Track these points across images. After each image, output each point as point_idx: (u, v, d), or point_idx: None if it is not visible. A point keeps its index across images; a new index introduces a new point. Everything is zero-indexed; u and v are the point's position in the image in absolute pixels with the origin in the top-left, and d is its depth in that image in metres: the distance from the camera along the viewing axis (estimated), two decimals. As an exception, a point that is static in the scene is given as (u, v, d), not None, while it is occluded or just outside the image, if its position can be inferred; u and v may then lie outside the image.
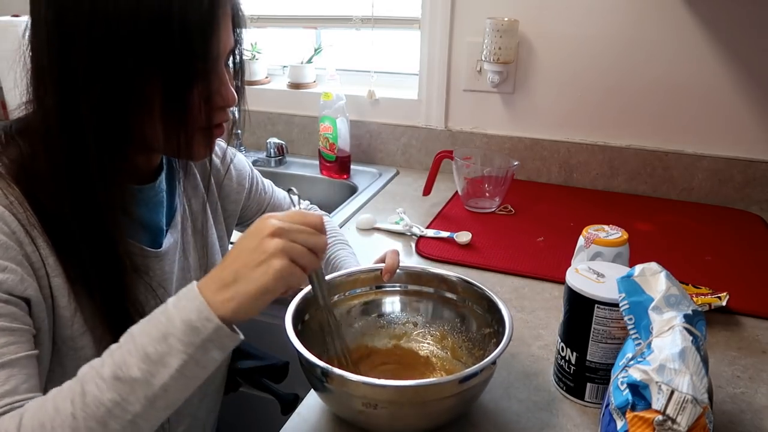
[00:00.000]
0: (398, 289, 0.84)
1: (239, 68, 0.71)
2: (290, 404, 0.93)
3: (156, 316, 0.54)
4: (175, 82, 0.59)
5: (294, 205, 0.80)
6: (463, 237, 1.12)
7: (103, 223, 0.62)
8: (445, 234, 1.15)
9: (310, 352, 0.65)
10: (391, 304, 0.84)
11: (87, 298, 0.63)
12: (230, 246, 0.91)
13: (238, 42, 0.68)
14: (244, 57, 0.71)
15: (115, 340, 0.55)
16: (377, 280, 0.83)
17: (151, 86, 0.59)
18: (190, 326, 0.51)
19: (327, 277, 0.81)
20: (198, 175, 0.85)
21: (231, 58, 0.69)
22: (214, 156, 0.88)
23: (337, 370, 0.62)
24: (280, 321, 0.70)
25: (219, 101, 0.65)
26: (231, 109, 0.69)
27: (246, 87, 0.77)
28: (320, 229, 0.58)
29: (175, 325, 0.51)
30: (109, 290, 0.64)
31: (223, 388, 0.92)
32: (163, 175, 0.75)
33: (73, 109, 0.58)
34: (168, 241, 0.76)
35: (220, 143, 0.90)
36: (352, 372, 0.63)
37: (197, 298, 0.52)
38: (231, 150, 0.93)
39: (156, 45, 0.57)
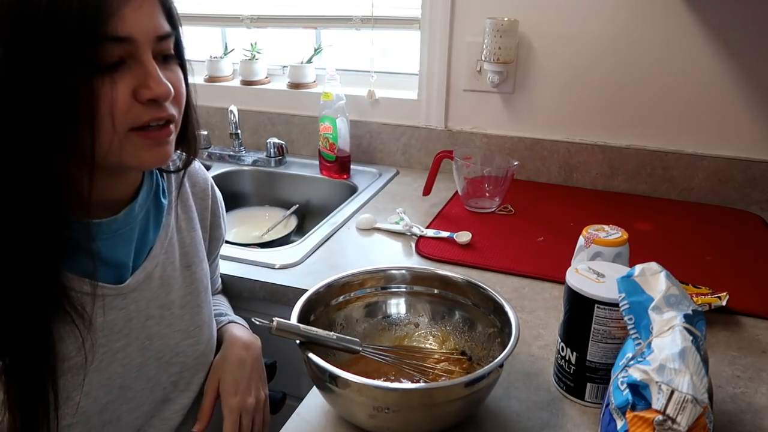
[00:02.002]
0: (403, 290, 0.84)
1: (182, 60, 0.66)
2: (278, 403, 0.93)
3: None
4: (81, 71, 0.54)
5: None
6: (463, 237, 1.12)
7: (34, 254, 0.58)
8: (445, 234, 1.15)
9: (316, 354, 0.65)
10: (396, 306, 0.84)
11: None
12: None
13: (174, 28, 0.63)
14: (182, 46, 0.65)
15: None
16: (382, 281, 0.83)
17: (60, 77, 0.54)
18: None
19: (330, 279, 0.81)
20: (194, 206, 0.81)
21: (175, 51, 0.64)
22: (209, 185, 0.85)
23: (347, 375, 0.62)
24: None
25: (146, 94, 0.59)
26: (172, 108, 0.63)
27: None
28: None
29: None
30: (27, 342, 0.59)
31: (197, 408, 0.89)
32: (135, 207, 0.69)
33: None
34: (138, 276, 0.70)
35: (202, 172, 0.85)
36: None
37: None
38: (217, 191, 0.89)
39: (52, 27, 0.53)
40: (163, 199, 0.75)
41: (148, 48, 0.59)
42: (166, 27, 0.61)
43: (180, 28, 0.64)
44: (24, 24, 0.53)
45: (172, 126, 0.64)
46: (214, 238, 0.88)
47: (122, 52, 0.57)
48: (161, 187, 0.75)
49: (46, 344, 0.61)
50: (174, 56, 0.64)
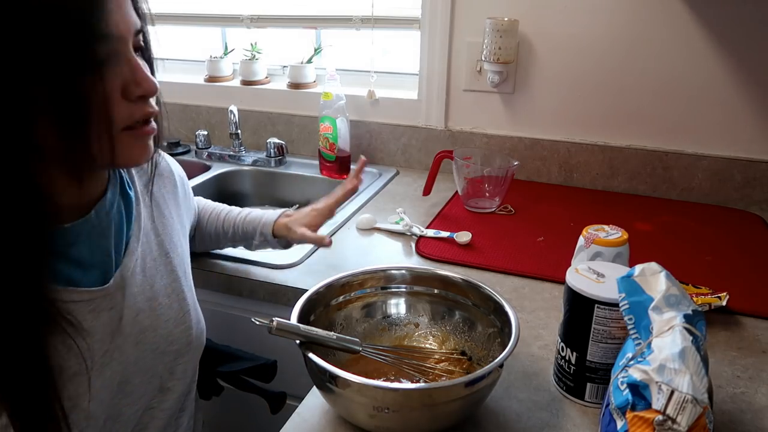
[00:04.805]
0: (403, 290, 0.84)
1: (149, 54, 0.64)
2: (278, 403, 0.93)
3: None
4: (77, 74, 0.53)
5: None
6: (463, 237, 1.12)
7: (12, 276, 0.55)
8: (445, 234, 1.15)
9: (316, 354, 0.65)
10: (396, 306, 0.84)
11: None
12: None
13: (143, 22, 0.61)
14: (149, 40, 0.63)
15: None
16: (382, 281, 0.83)
17: (51, 84, 0.52)
18: None
19: (330, 279, 0.81)
20: (161, 192, 0.80)
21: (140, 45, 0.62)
22: (169, 164, 0.85)
23: (347, 375, 0.62)
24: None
25: (136, 91, 0.58)
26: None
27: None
28: None
29: None
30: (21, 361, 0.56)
31: (193, 394, 0.88)
32: (106, 203, 0.67)
33: None
34: (121, 273, 0.69)
35: (165, 156, 0.85)
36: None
37: None
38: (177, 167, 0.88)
39: (42, 30, 0.50)
40: (129, 191, 0.73)
41: (130, 44, 0.58)
42: (138, 21, 0.60)
43: (146, 20, 0.63)
44: (20, 25, 0.51)
45: (153, 122, 0.63)
46: (190, 207, 0.90)
47: (109, 49, 0.56)
48: (125, 180, 0.74)
49: (44, 362, 0.59)
50: (142, 50, 0.63)
